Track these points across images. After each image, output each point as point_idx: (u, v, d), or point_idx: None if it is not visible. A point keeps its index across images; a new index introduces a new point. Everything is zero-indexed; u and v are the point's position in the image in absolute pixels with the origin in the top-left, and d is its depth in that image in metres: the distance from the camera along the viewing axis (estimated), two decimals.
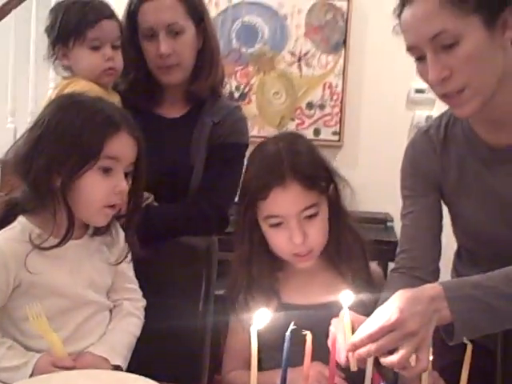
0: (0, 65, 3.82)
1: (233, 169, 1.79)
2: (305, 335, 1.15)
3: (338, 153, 3.47)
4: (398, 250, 1.50)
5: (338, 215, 1.45)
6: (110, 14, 1.66)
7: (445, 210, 1.50)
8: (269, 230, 1.41)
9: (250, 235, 1.44)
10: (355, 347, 1.13)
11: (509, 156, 1.33)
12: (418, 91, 3.29)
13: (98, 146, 1.28)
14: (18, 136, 1.37)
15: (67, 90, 1.59)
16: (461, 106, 1.26)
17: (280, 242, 1.40)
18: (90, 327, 1.37)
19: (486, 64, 1.22)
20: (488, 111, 1.28)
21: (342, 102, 3.53)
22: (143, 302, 1.49)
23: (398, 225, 1.54)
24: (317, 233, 1.40)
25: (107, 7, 1.68)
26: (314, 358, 1.18)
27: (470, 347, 1.13)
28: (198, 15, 1.77)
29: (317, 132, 3.55)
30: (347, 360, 1.17)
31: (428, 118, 3.35)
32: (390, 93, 3.42)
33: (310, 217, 1.39)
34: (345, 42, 3.51)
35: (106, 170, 1.30)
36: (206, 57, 1.79)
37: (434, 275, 1.46)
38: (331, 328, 1.23)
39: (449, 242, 1.52)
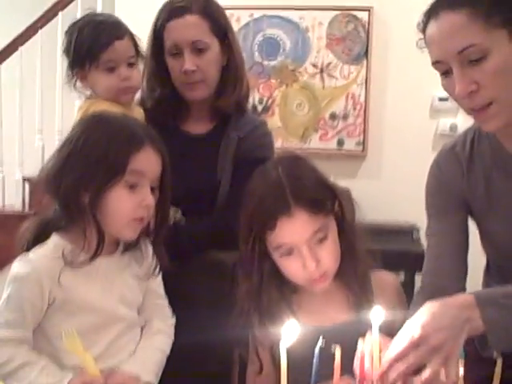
0: (28, 84, 3.89)
1: None
2: (330, 352, 1.15)
3: (362, 163, 3.47)
4: (424, 269, 1.49)
5: (345, 230, 1.44)
6: (123, 34, 1.66)
7: (472, 226, 1.48)
8: (281, 260, 1.40)
9: (260, 266, 1.42)
10: (384, 372, 1.13)
11: None
12: (442, 99, 3.28)
13: (123, 162, 1.31)
14: (46, 154, 1.42)
15: (91, 111, 1.61)
16: (488, 121, 1.26)
17: (294, 269, 1.39)
18: (122, 344, 1.38)
19: None
20: None
21: (365, 112, 3.54)
22: (173, 320, 1.50)
23: (424, 235, 1.53)
24: (329, 255, 1.38)
25: (119, 27, 1.68)
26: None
27: (499, 362, 1.12)
28: (223, 32, 1.79)
29: (340, 142, 3.55)
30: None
31: (452, 125, 3.34)
32: (413, 102, 3.42)
33: (321, 240, 1.38)
34: (366, 52, 3.53)
35: (132, 185, 1.33)
36: (231, 73, 1.80)
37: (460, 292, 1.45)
38: (358, 347, 1.22)
39: (478, 258, 1.51)
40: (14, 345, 1.29)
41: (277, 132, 3.49)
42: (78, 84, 1.70)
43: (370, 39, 3.53)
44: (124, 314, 1.39)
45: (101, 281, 1.37)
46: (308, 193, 1.37)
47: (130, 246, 1.43)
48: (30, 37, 3.87)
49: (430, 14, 1.26)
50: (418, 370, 1.11)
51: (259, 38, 3.61)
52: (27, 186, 3.80)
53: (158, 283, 1.50)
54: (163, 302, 1.50)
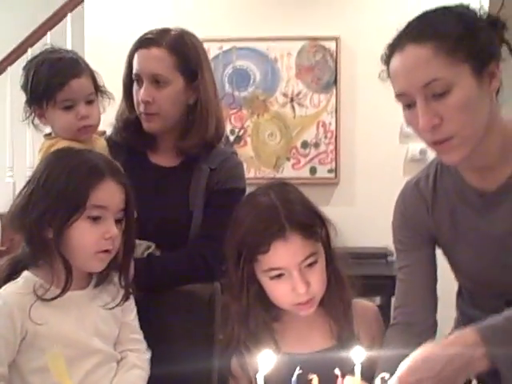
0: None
1: (231, 214, 1.80)
2: (310, 380, 1.14)
3: (334, 190, 3.49)
4: (394, 303, 1.49)
5: (331, 257, 1.45)
6: (80, 72, 1.62)
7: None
8: (269, 283, 1.40)
9: (248, 290, 1.43)
10: None
11: (498, 199, 1.33)
12: None
13: (83, 197, 1.32)
14: (17, 190, 1.42)
15: (52, 151, 1.59)
16: (449, 153, 1.26)
17: (282, 293, 1.40)
18: (98, 377, 1.37)
19: (475, 112, 1.22)
20: (475, 158, 1.28)
21: (336, 140, 3.58)
22: (148, 354, 1.49)
23: None
24: (318, 280, 1.40)
25: (76, 64, 1.64)
26: None
27: None
28: (191, 72, 1.77)
29: (313, 170, 3.58)
30: None
31: (422, 150, 3.38)
32: (382, 128, 3.46)
33: (311, 264, 1.39)
34: (335, 80, 3.58)
35: (95, 219, 1.34)
36: (197, 114, 1.78)
37: (432, 330, 1.46)
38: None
39: (450, 282, 1.52)
40: None
41: (249, 162, 3.51)
42: (36, 121, 1.66)
43: (338, 68, 3.58)
44: (99, 346, 1.38)
45: (74, 314, 1.37)
46: (301, 217, 1.38)
47: (102, 280, 1.43)
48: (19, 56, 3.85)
49: (395, 46, 1.27)
50: None
51: (229, 69, 3.65)
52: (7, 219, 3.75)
53: (132, 317, 1.49)
54: (138, 337, 1.49)
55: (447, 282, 1.50)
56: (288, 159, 3.61)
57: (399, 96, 1.27)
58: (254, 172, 3.57)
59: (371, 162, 3.53)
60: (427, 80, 1.20)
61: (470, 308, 1.50)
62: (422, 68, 1.21)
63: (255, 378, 1.09)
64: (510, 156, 1.31)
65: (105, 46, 3.59)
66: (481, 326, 1.20)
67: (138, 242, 1.66)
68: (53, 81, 1.58)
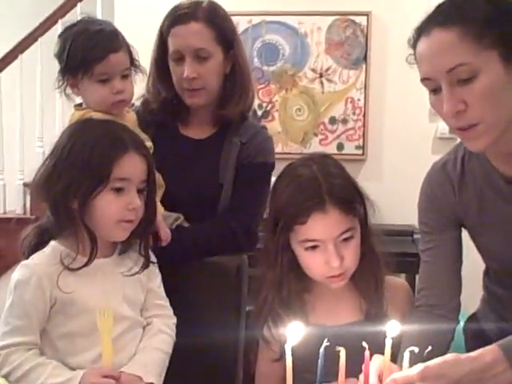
0: (28, 91, 3.91)
1: (261, 188, 1.81)
2: (338, 352, 1.16)
3: (361, 167, 3.48)
4: (418, 286, 1.50)
5: (367, 234, 1.46)
6: (118, 47, 1.61)
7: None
8: (304, 253, 1.42)
9: (282, 258, 1.44)
10: None
11: None
12: None
13: (107, 170, 1.34)
14: None
15: None
16: (474, 140, 1.25)
17: (315, 264, 1.41)
18: (124, 343, 1.40)
19: (501, 99, 1.20)
20: (503, 145, 1.27)
21: (364, 116, 3.56)
22: (174, 320, 1.51)
23: None
24: (352, 255, 1.41)
25: (115, 39, 1.62)
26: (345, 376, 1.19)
27: None
28: (228, 41, 1.78)
29: (340, 146, 3.57)
30: None
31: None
32: (412, 105, 3.43)
33: (346, 239, 1.40)
34: (365, 56, 3.54)
35: (118, 190, 1.36)
36: (236, 82, 1.80)
37: (455, 312, 1.47)
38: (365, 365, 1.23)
39: (478, 259, 1.52)
40: (24, 349, 1.31)
41: (277, 137, 3.50)
42: (68, 90, 1.65)
43: (368, 44, 3.54)
44: (127, 313, 1.41)
45: (100, 281, 1.39)
46: (341, 192, 1.39)
47: (127, 247, 1.45)
48: (29, 45, 3.89)
49: (421, 30, 1.25)
50: None
51: (258, 43, 3.63)
52: (28, 191, 3.82)
53: (157, 284, 1.51)
54: (164, 303, 1.51)
55: (475, 261, 1.50)
56: (315, 135, 3.60)
57: (424, 80, 1.26)
58: (282, 147, 3.57)
59: (399, 139, 3.51)
60: (452, 65, 1.19)
61: (497, 287, 1.50)
62: (447, 53, 1.19)
63: (285, 346, 1.11)
64: None
65: (135, 17, 3.59)
66: (503, 342, 1.20)
67: (167, 213, 1.69)
68: (91, 53, 1.57)
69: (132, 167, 1.38)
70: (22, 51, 3.89)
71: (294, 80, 3.61)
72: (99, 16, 3.60)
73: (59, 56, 1.63)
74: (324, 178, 1.40)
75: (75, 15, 3.73)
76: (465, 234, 1.49)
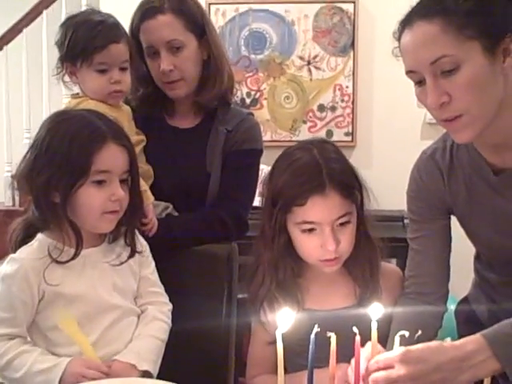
0: (15, 82, 3.88)
1: (249, 175, 1.82)
2: (328, 337, 1.17)
3: (351, 153, 3.48)
4: (407, 273, 1.51)
5: (363, 220, 1.47)
6: (119, 38, 1.63)
7: None
8: (300, 236, 1.42)
9: (279, 239, 1.45)
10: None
11: None
12: None
13: (86, 164, 1.32)
14: None
15: None
16: (459, 132, 1.25)
17: (310, 247, 1.42)
18: (117, 332, 1.40)
19: (485, 90, 1.20)
20: (489, 136, 1.27)
21: (353, 103, 3.55)
22: (169, 306, 1.51)
23: None
24: (347, 240, 1.42)
25: (117, 30, 1.65)
26: (336, 360, 1.20)
27: None
28: (199, 28, 1.77)
29: (329, 134, 3.56)
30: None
31: None
32: (400, 91, 3.40)
33: (343, 224, 1.41)
34: (353, 43, 3.53)
35: (100, 182, 1.35)
36: (211, 67, 1.80)
37: (443, 300, 1.48)
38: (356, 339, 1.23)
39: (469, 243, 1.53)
40: (7, 339, 1.32)
41: (266, 125, 3.49)
42: (66, 78, 1.68)
43: (355, 31, 3.53)
44: (117, 302, 1.41)
45: (89, 271, 1.39)
46: (341, 176, 1.40)
47: (117, 236, 1.44)
48: (14, 36, 3.86)
49: (405, 23, 1.25)
50: None
51: (245, 32, 3.61)
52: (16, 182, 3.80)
53: (151, 271, 1.51)
54: (158, 290, 1.51)
55: (466, 245, 1.50)
56: (304, 122, 3.60)
57: (409, 73, 1.26)
58: (271, 135, 3.56)
59: (388, 125, 3.50)
60: (435, 57, 1.19)
61: (488, 272, 1.50)
62: (430, 45, 1.20)
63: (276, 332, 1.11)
64: None
65: (120, 8, 3.56)
66: (487, 331, 1.20)
67: (156, 202, 1.69)
68: (93, 42, 1.59)
69: (112, 159, 1.36)
70: (6, 43, 3.86)
71: (282, 68, 3.59)
72: (84, 7, 3.57)
73: (60, 44, 1.64)
74: (324, 161, 1.40)
75: (60, 6, 3.72)
76: (455, 219, 1.49)
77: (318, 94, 3.58)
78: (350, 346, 1.21)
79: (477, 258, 1.57)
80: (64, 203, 1.33)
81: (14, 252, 1.38)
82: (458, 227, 1.50)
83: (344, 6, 3.53)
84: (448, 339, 1.25)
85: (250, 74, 3.60)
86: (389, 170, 3.31)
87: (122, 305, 1.42)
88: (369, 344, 1.27)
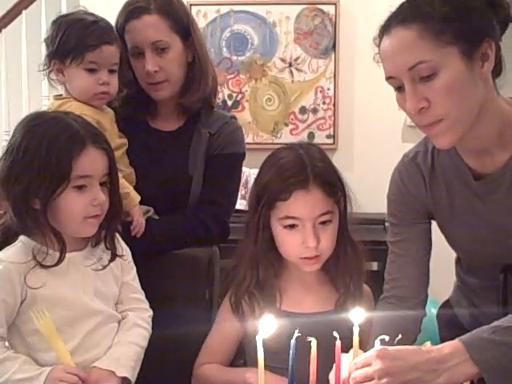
0: None
1: (231, 179, 1.82)
2: (307, 342, 1.18)
3: (333, 156, 3.47)
4: (386, 276, 1.50)
5: (343, 229, 1.48)
6: (113, 40, 1.63)
7: None
8: (282, 231, 1.44)
9: (262, 236, 1.47)
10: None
11: (495, 183, 1.32)
12: None
13: (66, 169, 1.30)
14: None
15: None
16: (439, 137, 1.25)
17: (291, 243, 1.43)
18: (98, 338, 1.38)
19: (464, 95, 1.21)
20: (470, 141, 1.28)
21: (334, 106, 3.56)
22: (150, 313, 1.50)
23: None
24: (328, 239, 1.43)
25: (110, 31, 1.64)
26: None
27: None
28: (185, 30, 1.76)
29: (311, 136, 3.57)
30: None
31: None
32: (381, 93, 3.40)
33: (324, 223, 1.43)
34: (334, 45, 3.54)
35: (81, 187, 1.33)
36: (196, 70, 1.79)
37: (423, 304, 1.48)
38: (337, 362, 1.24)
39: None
40: None
41: (247, 127, 3.49)
42: (52, 76, 1.66)
43: (337, 33, 3.53)
44: (99, 307, 1.39)
45: (72, 275, 1.37)
46: (325, 174, 1.43)
47: (100, 240, 1.43)
48: None
49: (384, 29, 1.26)
50: None
51: (227, 33, 3.60)
52: None
53: (132, 277, 1.50)
54: (139, 296, 1.50)
55: (447, 248, 1.50)
56: (286, 124, 3.59)
57: (389, 79, 1.26)
58: (252, 137, 3.55)
59: (370, 127, 3.51)
60: (412, 63, 1.19)
61: (468, 276, 1.51)
62: (407, 51, 1.20)
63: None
64: (509, 141, 1.30)
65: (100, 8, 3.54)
66: (465, 336, 1.21)
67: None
68: (86, 40, 1.58)
69: (92, 163, 1.34)
70: None
71: (264, 70, 3.59)
72: (64, 7, 3.54)
73: (50, 40, 1.63)
74: (309, 160, 1.43)
75: (39, 6, 3.68)
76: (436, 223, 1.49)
77: (299, 96, 3.58)
78: (324, 350, 1.22)
79: (458, 262, 1.58)
80: (44, 209, 1.31)
81: None
82: (438, 230, 1.50)
83: (325, 7, 3.53)
84: (428, 343, 1.26)
85: (232, 75, 3.60)
86: (370, 172, 3.32)
87: (104, 310, 1.40)
88: (350, 351, 1.27)
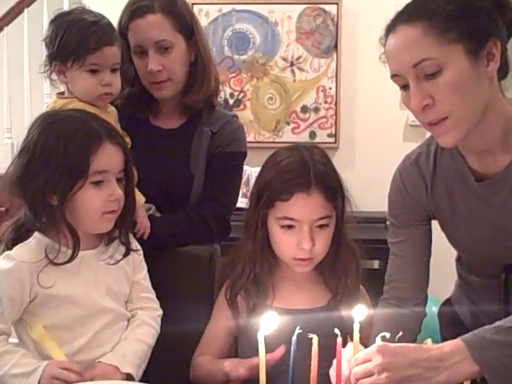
0: None
1: (233, 177, 1.82)
2: (310, 338, 1.19)
3: (334, 155, 3.48)
4: (387, 277, 1.51)
5: (340, 232, 1.49)
6: (114, 40, 1.61)
7: None
8: (278, 231, 1.44)
9: (260, 233, 1.48)
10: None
11: (498, 185, 1.32)
12: None
13: (84, 165, 1.31)
14: (15, 151, 1.40)
15: None
16: (444, 135, 1.25)
17: (287, 244, 1.44)
18: (107, 336, 1.39)
19: (469, 93, 1.21)
20: (474, 140, 1.28)
21: (336, 105, 3.56)
22: (159, 312, 1.50)
23: None
24: (323, 243, 1.44)
25: (111, 32, 1.62)
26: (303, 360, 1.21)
27: None
28: (188, 29, 1.76)
29: (312, 135, 3.57)
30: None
31: None
32: (383, 93, 3.42)
33: (321, 226, 1.43)
34: (336, 45, 3.54)
35: (98, 183, 1.34)
36: (199, 69, 1.79)
37: (423, 305, 1.49)
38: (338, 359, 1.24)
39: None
40: None
41: (249, 126, 3.49)
42: (53, 76, 1.64)
43: (339, 32, 3.53)
44: (110, 305, 1.40)
45: (85, 274, 1.38)
46: (327, 179, 1.44)
47: (113, 238, 1.44)
48: None
49: (389, 28, 1.26)
50: None
51: (228, 32, 3.60)
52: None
53: (143, 276, 1.50)
54: (149, 295, 1.51)
55: (448, 247, 1.50)
56: (288, 123, 3.60)
57: (394, 77, 1.27)
58: (254, 136, 3.55)
59: (371, 127, 3.52)
60: (417, 60, 1.20)
61: (469, 274, 1.51)
62: (412, 48, 1.20)
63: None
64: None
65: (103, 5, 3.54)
66: (466, 335, 1.22)
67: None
68: (87, 43, 1.56)
69: (109, 159, 1.35)
70: None
71: (265, 69, 3.59)
72: (66, 5, 3.54)
73: (50, 41, 1.61)
74: (313, 163, 1.44)
75: (41, 4, 3.69)
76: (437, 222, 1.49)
77: (301, 95, 3.58)
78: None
79: (458, 260, 1.58)
80: (62, 205, 1.32)
81: (7, 250, 1.36)
82: (439, 229, 1.50)
83: (327, 7, 3.53)
84: (429, 340, 1.26)
85: (234, 74, 3.60)
86: (372, 171, 3.33)
87: (114, 309, 1.41)
88: (350, 345, 1.28)
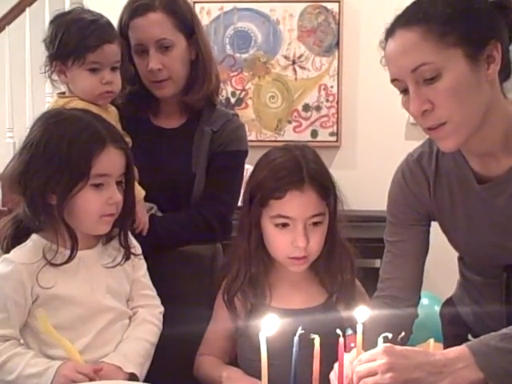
0: None
1: (234, 176, 1.82)
2: (311, 338, 1.18)
3: (336, 153, 3.48)
4: (382, 275, 1.50)
5: (333, 230, 1.49)
6: (113, 38, 1.61)
7: None
8: (272, 230, 1.44)
9: (254, 233, 1.48)
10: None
11: (499, 188, 1.31)
12: None
13: (86, 167, 1.31)
14: (17, 150, 1.40)
15: None
16: (444, 140, 1.24)
17: (281, 242, 1.44)
18: (110, 334, 1.39)
19: (468, 98, 1.20)
20: (475, 144, 1.27)
21: (338, 103, 3.56)
22: (160, 309, 1.51)
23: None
24: (317, 240, 1.44)
25: (111, 30, 1.63)
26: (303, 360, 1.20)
27: None
28: (189, 28, 1.76)
29: (314, 133, 3.57)
30: None
31: None
32: (384, 91, 3.40)
33: (315, 224, 1.44)
34: (338, 43, 3.53)
35: (98, 185, 1.34)
36: (200, 68, 1.79)
37: (416, 306, 1.48)
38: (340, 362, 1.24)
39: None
40: (1, 340, 1.31)
41: (251, 124, 3.49)
42: (54, 76, 1.64)
43: (340, 30, 3.53)
44: (111, 304, 1.40)
45: (84, 274, 1.38)
46: (320, 177, 1.45)
47: (111, 238, 1.44)
48: None
49: (388, 32, 1.26)
50: None
51: (230, 31, 3.60)
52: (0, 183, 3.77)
53: (143, 273, 1.50)
54: (150, 293, 1.51)
55: (449, 246, 1.50)
56: (289, 122, 3.60)
57: (394, 81, 1.26)
58: (256, 134, 3.55)
59: (373, 125, 3.52)
60: (415, 64, 1.19)
61: (471, 273, 1.51)
62: (410, 52, 1.20)
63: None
64: None
65: (104, 4, 3.54)
66: (471, 342, 1.22)
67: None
68: (86, 41, 1.56)
69: (111, 162, 1.35)
70: None
71: (267, 67, 3.59)
72: (67, 4, 3.55)
73: (49, 42, 1.61)
74: (305, 161, 1.44)
75: (43, 3, 3.69)
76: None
77: (302, 93, 3.58)
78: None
79: (460, 259, 1.58)
80: (61, 205, 1.32)
81: (5, 251, 1.37)
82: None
83: (329, 5, 3.53)
84: (431, 340, 1.26)
85: (235, 73, 3.60)
86: (373, 169, 3.32)
87: (116, 307, 1.41)
88: (354, 351, 1.27)
